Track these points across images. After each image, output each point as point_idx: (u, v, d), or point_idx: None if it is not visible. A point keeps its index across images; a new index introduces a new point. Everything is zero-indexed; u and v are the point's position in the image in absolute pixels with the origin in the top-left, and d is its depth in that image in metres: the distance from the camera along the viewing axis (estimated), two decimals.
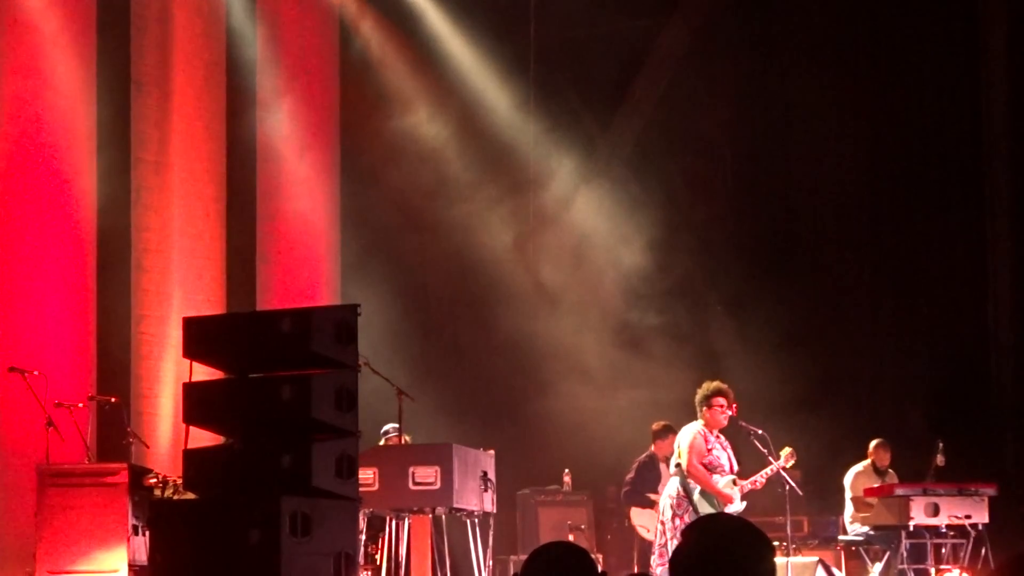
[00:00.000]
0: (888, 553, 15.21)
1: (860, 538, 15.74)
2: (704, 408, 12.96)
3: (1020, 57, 18.43)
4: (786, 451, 13.29)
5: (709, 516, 5.30)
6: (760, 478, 13.05)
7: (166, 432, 15.37)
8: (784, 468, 13.29)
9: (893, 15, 18.96)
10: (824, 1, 19.14)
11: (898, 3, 18.91)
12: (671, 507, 12.90)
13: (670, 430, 15.52)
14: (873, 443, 16.18)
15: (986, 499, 14.63)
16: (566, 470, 17.57)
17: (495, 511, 12.89)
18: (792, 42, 19.36)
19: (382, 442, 14.85)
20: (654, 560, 13.07)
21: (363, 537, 12.67)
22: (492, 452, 13.06)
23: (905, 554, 14.80)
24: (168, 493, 12.02)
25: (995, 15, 18.54)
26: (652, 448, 16.33)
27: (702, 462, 12.82)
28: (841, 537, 16.21)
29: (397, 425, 14.00)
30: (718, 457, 12.88)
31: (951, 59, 18.87)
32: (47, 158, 14.88)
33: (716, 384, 13.09)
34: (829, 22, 19.20)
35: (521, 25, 18.98)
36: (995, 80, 18.58)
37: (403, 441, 14.20)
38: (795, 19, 19.34)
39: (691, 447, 12.86)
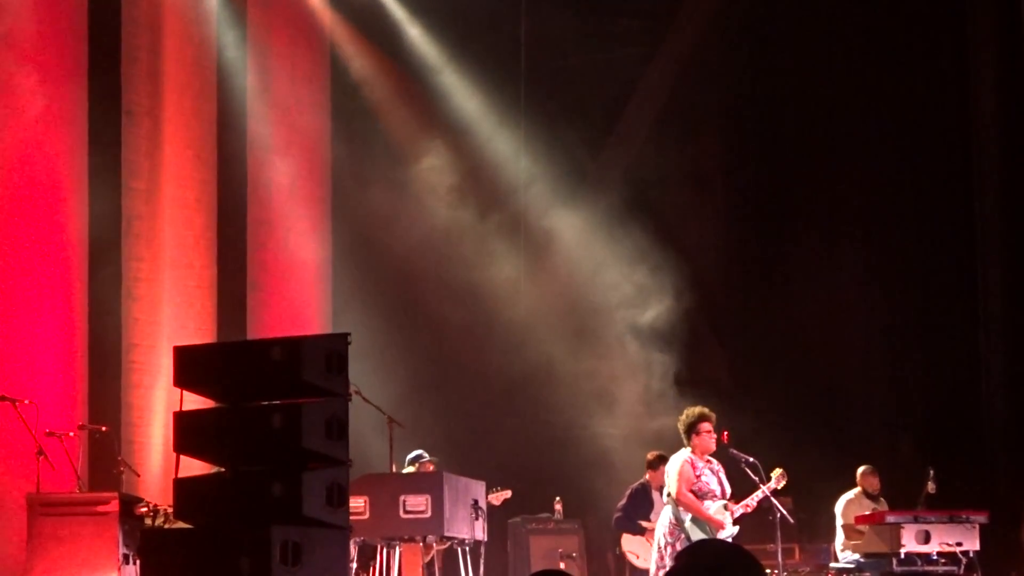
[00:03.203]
0: None
1: (851, 565, 15.72)
2: (692, 435, 12.97)
3: (1008, 78, 18.48)
4: (776, 472, 13.28)
5: (701, 541, 5.33)
6: (752, 501, 13.05)
7: (157, 461, 15.36)
8: (776, 489, 13.29)
9: (881, 39, 19.02)
10: (812, 28, 19.19)
11: (886, 26, 18.96)
12: (664, 535, 12.92)
13: (664, 460, 15.51)
14: (861, 469, 16.20)
15: (977, 526, 14.61)
16: (557, 498, 17.56)
17: (486, 539, 12.88)
18: (781, 68, 19.41)
19: (415, 467, 14.94)
20: None
21: (354, 566, 12.66)
22: (483, 482, 13.06)
23: None
24: (159, 522, 12.02)
25: (984, 32, 18.61)
26: (646, 476, 16.32)
27: (691, 489, 12.83)
28: (832, 564, 16.19)
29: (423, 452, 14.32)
30: (707, 483, 12.88)
31: (942, 86, 18.92)
32: (38, 186, 14.88)
33: (699, 409, 13.10)
34: (817, 49, 19.25)
35: (512, 54, 19.03)
36: (985, 107, 18.64)
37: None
38: (783, 45, 19.40)
39: (679, 476, 12.87)
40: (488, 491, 15.76)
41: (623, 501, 16.31)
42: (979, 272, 18.66)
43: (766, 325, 18.68)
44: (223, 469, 9.29)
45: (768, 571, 14.92)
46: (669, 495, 13.02)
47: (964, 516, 14.64)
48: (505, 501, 16.24)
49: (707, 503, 12.83)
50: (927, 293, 18.95)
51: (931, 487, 15.62)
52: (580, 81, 19.34)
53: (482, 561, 13.29)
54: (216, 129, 16.69)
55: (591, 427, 18.15)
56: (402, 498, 11.92)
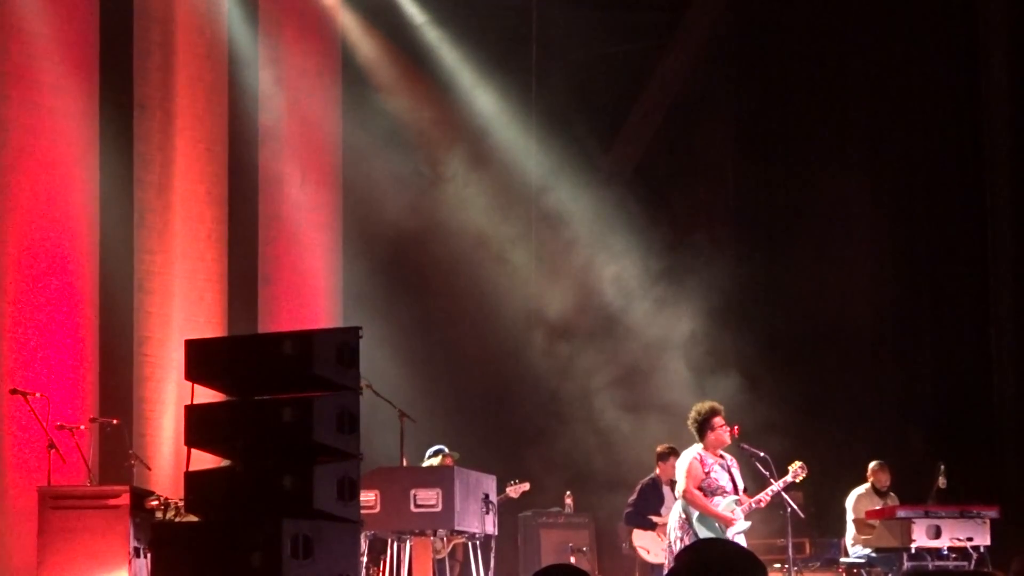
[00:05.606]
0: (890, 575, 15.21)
1: (862, 560, 15.73)
2: (707, 431, 12.91)
3: (1020, 70, 18.47)
4: (795, 465, 13.21)
5: (703, 540, 5.35)
6: (764, 496, 13.00)
7: (168, 454, 15.38)
8: (793, 482, 13.25)
9: (893, 35, 19.01)
10: (824, 23, 19.17)
11: (897, 20, 18.95)
12: (675, 530, 12.90)
13: (674, 453, 15.50)
14: (872, 465, 16.19)
15: (988, 521, 14.61)
16: (567, 492, 17.57)
17: (496, 533, 12.89)
18: (792, 64, 19.40)
19: (437, 461, 14.99)
20: None
21: (364, 559, 12.68)
22: (494, 476, 13.07)
23: None
24: (170, 515, 12.03)
25: (994, 40, 18.58)
26: (656, 471, 16.30)
27: (699, 486, 12.80)
28: (843, 559, 16.20)
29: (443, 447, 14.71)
30: (717, 479, 12.84)
31: (951, 72, 18.92)
32: (50, 179, 14.91)
33: (709, 404, 13.05)
34: (828, 43, 19.23)
35: (522, 48, 19.02)
36: (997, 108, 18.61)
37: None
38: (795, 42, 19.38)
39: (687, 473, 12.84)
40: (507, 484, 15.80)
41: (633, 496, 16.27)
42: (990, 266, 18.64)
43: (777, 322, 18.66)
44: (234, 463, 9.30)
45: (778, 566, 14.94)
46: (678, 492, 13.02)
47: (975, 511, 14.64)
48: (523, 494, 16.28)
49: (716, 499, 12.81)
50: (937, 288, 18.93)
51: (942, 482, 15.62)
52: (591, 75, 19.32)
53: (493, 555, 13.30)
54: (227, 122, 16.71)
55: (603, 421, 18.14)
56: (413, 492, 11.92)
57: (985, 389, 18.54)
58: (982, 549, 14.57)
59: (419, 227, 18.04)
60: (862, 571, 15.88)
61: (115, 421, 13.77)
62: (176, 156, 16.07)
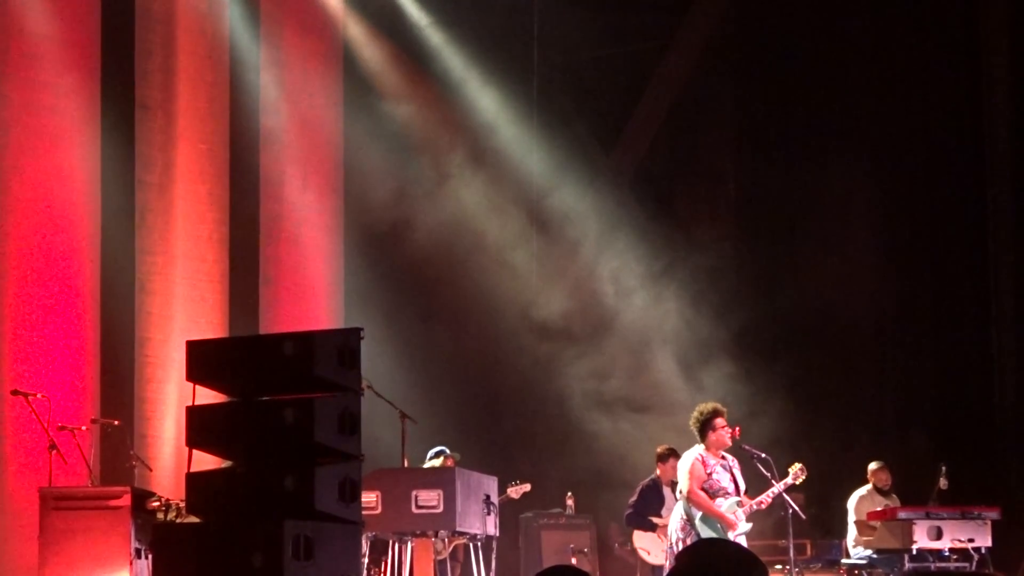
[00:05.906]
0: None
1: (863, 562, 15.73)
2: (708, 432, 12.90)
3: (1021, 70, 18.48)
4: (795, 467, 13.21)
5: (704, 540, 5.34)
6: (765, 498, 12.99)
7: (169, 455, 15.38)
8: (793, 484, 13.25)
9: (894, 34, 19.01)
10: (825, 23, 19.17)
11: (899, 21, 18.96)
12: (676, 531, 12.89)
13: (674, 454, 15.51)
14: (872, 466, 16.20)
15: (989, 523, 14.61)
16: (569, 493, 17.56)
17: (498, 534, 12.89)
18: (794, 64, 19.40)
19: (439, 462, 15.00)
20: None
21: (366, 561, 12.67)
22: (495, 477, 13.07)
23: None
24: (171, 516, 12.03)
25: (994, 40, 18.59)
26: (656, 472, 16.30)
27: (702, 487, 12.79)
28: (844, 561, 16.20)
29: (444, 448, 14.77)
30: (719, 480, 12.84)
31: (952, 72, 18.93)
32: (52, 180, 14.91)
33: (712, 405, 13.04)
34: (830, 43, 19.23)
35: (524, 49, 19.02)
36: (998, 109, 18.61)
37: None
38: (797, 41, 19.38)
39: (690, 473, 12.83)
40: (508, 485, 15.81)
41: (634, 497, 16.27)
42: (991, 268, 18.65)
43: (777, 322, 18.66)
44: (235, 464, 9.30)
45: (780, 567, 14.94)
46: (681, 492, 13.00)
47: (976, 512, 14.64)
48: (524, 495, 16.27)
49: (719, 500, 12.80)
50: (939, 289, 18.93)
51: (943, 483, 15.63)
52: (592, 76, 19.32)
53: (494, 556, 13.29)
54: (229, 123, 16.70)
55: (603, 422, 18.14)
56: (414, 493, 11.92)
57: (986, 390, 18.55)
58: (983, 550, 14.57)
59: (420, 228, 18.03)
60: (863, 572, 15.88)
61: (116, 422, 13.77)
62: (177, 157, 16.06)
